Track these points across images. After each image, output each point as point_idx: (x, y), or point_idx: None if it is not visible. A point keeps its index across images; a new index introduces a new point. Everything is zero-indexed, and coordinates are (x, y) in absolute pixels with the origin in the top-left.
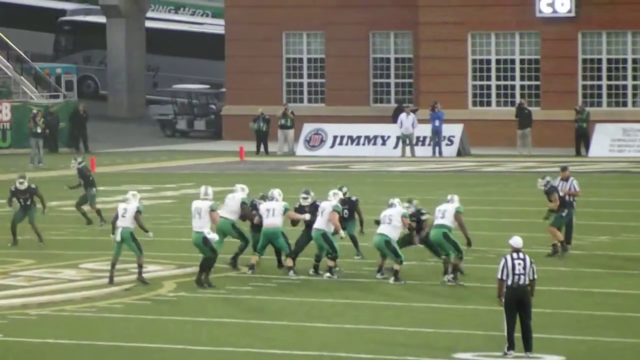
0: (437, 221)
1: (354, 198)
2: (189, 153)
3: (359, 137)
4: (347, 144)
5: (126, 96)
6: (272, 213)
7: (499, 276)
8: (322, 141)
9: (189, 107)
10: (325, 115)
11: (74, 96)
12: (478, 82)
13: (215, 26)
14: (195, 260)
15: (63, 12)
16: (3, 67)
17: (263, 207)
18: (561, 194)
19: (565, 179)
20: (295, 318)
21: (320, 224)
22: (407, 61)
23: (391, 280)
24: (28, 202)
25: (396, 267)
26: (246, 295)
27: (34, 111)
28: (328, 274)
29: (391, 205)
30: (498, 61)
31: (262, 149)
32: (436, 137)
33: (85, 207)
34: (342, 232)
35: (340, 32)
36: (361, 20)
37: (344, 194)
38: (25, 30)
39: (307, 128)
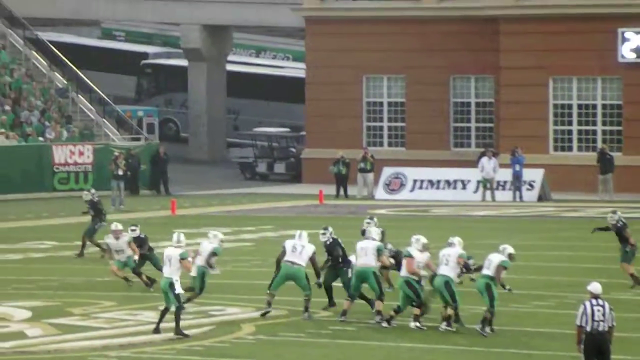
0: (483, 271)
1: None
2: (269, 196)
3: (438, 181)
4: (426, 188)
5: (207, 139)
6: (365, 252)
7: (578, 322)
8: (402, 185)
9: (269, 150)
10: (405, 159)
11: (156, 139)
12: (559, 127)
13: (295, 69)
14: (275, 304)
15: (145, 55)
16: (86, 110)
17: (358, 245)
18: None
19: None
20: None
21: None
22: (487, 105)
23: (443, 325)
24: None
25: (450, 311)
26: (325, 339)
27: (116, 153)
28: (416, 324)
29: (450, 245)
30: (580, 106)
31: (341, 192)
32: (517, 181)
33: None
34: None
35: (421, 76)
36: (442, 64)
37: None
38: (108, 73)
39: (387, 172)
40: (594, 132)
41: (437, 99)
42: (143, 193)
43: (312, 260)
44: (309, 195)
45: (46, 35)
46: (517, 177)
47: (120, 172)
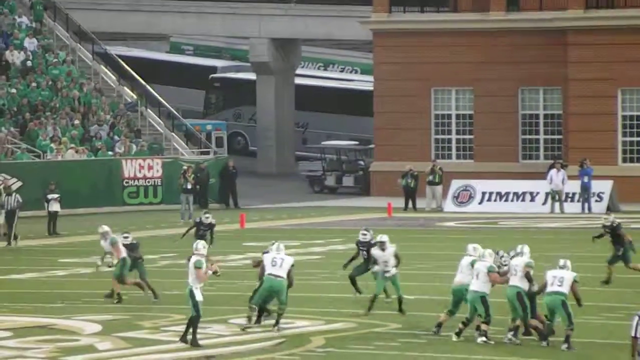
0: (556, 288)
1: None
2: (337, 209)
3: (507, 194)
4: (495, 200)
5: (275, 152)
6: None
7: (633, 334)
8: (471, 197)
9: (338, 164)
10: (473, 171)
11: (224, 152)
12: (628, 139)
13: (364, 82)
14: (344, 317)
15: (214, 69)
16: (155, 124)
17: (463, 262)
18: None
19: None
20: None
21: (476, 285)
22: (556, 117)
23: (509, 335)
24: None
25: (518, 322)
26: (394, 352)
27: (185, 167)
28: (483, 339)
29: (519, 254)
30: None
31: (410, 205)
32: (585, 193)
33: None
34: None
35: (489, 88)
36: (510, 77)
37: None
38: (176, 87)
39: (455, 184)
40: None
41: (505, 111)
42: (212, 207)
43: (289, 272)
44: (377, 208)
45: (115, 50)
46: (585, 188)
47: (189, 186)
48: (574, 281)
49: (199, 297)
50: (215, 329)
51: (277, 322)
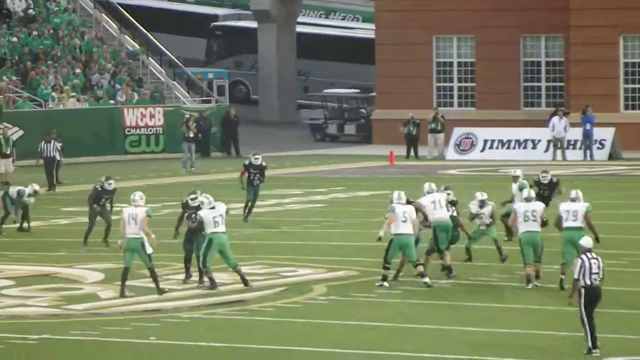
0: (571, 223)
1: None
2: (339, 157)
3: (509, 141)
4: (497, 147)
5: (277, 101)
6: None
7: (576, 276)
8: (473, 145)
9: (340, 112)
10: (475, 119)
11: (226, 101)
12: (630, 86)
13: (365, 30)
14: (346, 264)
15: (215, 17)
16: (156, 72)
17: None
18: None
19: None
20: (445, 322)
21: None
22: (558, 65)
23: (533, 283)
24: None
25: (539, 266)
26: (395, 300)
27: (187, 116)
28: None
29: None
30: None
31: (412, 153)
32: (587, 140)
33: None
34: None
35: (490, 36)
36: (512, 24)
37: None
38: (177, 36)
39: (457, 132)
40: None
41: (507, 59)
42: (214, 155)
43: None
44: (379, 156)
45: None
46: (587, 136)
47: (191, 135)
48: (587, 211)
49: (149, 249)
50: (218, 277)
51: (244, 281)
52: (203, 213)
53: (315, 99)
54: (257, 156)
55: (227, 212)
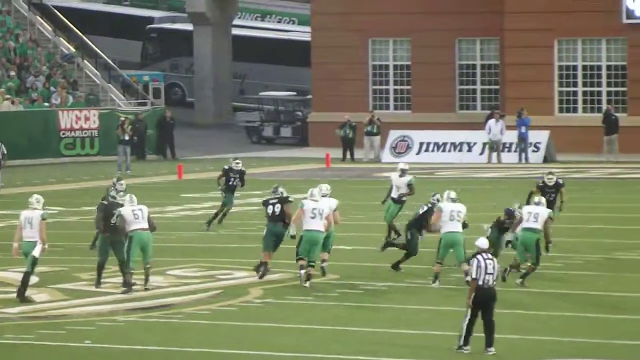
0: (531, 224)
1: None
2: (275, 160)
3: (444, 144)
4: (433, 150)
5: (213, 103)
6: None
7: (474, 276)
8: (408, 148)
9: (275, 114)
10: (411, 122)
11: (161, 103)
12: (565, 89)
13: (301, 33)
14: (282, 267)
15: (150, 20)
16: (91, 75)
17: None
18: None
19: None
20: (381, 324)
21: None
22: (493, 68)
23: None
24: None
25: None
26: (333, 302)
27: (122, 118)
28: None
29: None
30: (585, 67)
31: (348, 155)
32: (522, 143)
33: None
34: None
35: (426, 39)
36: (447, 27)
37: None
38: (113, 38)
39: (393, 135)
40: (599, 94)
41: (442, 62)
42: (149, 158)
43: (149, 219)
44: (315, 158)
45: (51, 0)
46: (522, 139)
47: (127, 137)
48: (548, 217)
49: (37, 253)
50: (153, 281)
51: (146, 280)
52: (123, 209)
53: (251, 102)
54: (237, 161)
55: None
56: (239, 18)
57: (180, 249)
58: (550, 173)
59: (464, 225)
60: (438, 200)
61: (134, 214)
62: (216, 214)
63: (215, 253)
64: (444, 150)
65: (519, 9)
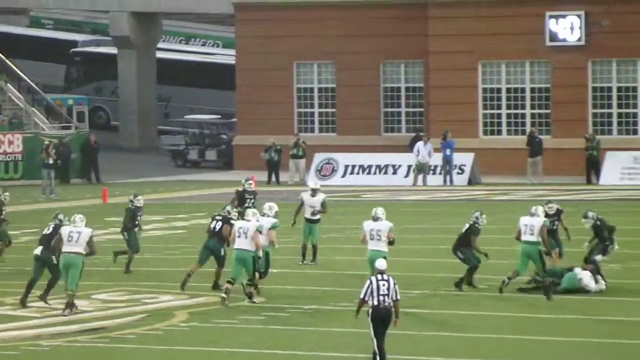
0: (528, 237)
1: None
2: (200, 183)
3: (370, 167)
4: (358, 173)
5: (137, 127)
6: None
7: (362, 297)
8: (334, 170)
9: (200, 138)
10: (336, 144)
11: (86, 127)
12: (489, 111)
13: (226, 56)
14: (208, 290)
15: (74, 43)
16: (15, 99)
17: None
18: None
19: None
20: (306, 348)
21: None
22: (417, 90)
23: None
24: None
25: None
26: (258, 325)
27: (46, 142)
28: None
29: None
30: (509, 90)
31: (273, 178)
32: (447, 165)
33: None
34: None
35: (351, 62)
36: (372, 50)
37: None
38: (36, 62)
39: (318, 157)
40: (523, 116)
41: (367, 84)
42: (74, 182)
43: (89, 243)
44: (240, 182)
45: None
46: (447, 161)
47: (51, 161)
48: (544, 226)
49: None
50: (78, 305)
51: (69, 305)
52: (63, 228)
53: (175, 125)
54: (250, 182)
55: (90, 236)
56: (163, 41)
57: (105, 272)
58: (549, 202)
59: (390, 243)
60: (477, 219)
61: (70, 235)
62: None
63: (140, 277)
64: (369, 173)
65: (443, 32)
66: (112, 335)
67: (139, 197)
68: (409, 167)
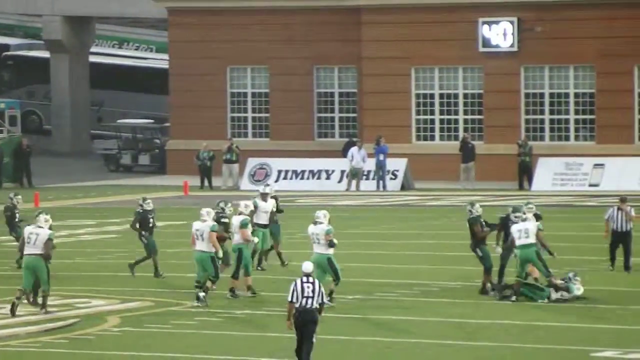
0: (523, 241)
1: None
2: (133, 188)
3: (303, 172)
4: (291, 178)
5: (70, 131)
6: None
7: (290, 299)
8: (267, 175)
9: (133, 142)
10: (269, 149)
11: (18, 131)
12: (422, 117)
13: (159, 61)
14: (141, 295)
15: (6, 47)
16: None
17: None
18: (624, 224)
19: (623, 209)
20: (240, 352)
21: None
22: (351, 95)
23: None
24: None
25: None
26: (191, 330)
27: None
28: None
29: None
30: (442, 95)
31: (206, 183)
32: (380, 171)
33: None
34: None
35: (284, 67)
36: (305, 55)
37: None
38: None
39: (252, 162)
40: (456, 122)
41: (301, 90)
42: (6, 186)
43: (46, 244)
44: (173, 186)
45: None
46: (380, 166)
47: None
48: (538, 229)
49: None
50: (7, 310)
51: (43, 306)
52: (26, 229)
53: (108, 129)
54: (148, 201)
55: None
56: (96, 45)
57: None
58: (529, 203)
59: (330, 245)
60: (470, 211)
61: (29, 237)
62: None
63: (72, 281)
64: (302, 178)
65: (376, 37)
66: (44, 340)
67: (149, 201)
68: (343, 172)
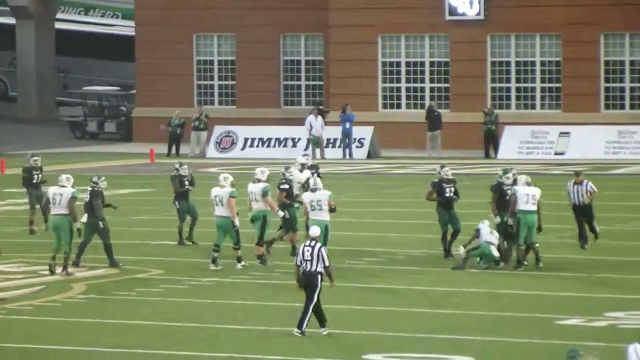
0: (530, 207)
1: None
2: (99, 155)
3: (269, 139)
4: (257, 146)
5: (36, 98)
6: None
7: (297, 262)
8: (233, 143)
9: (99, 109)
10: (236, 117)
11: None
12: (388, 85)
13: (125, 28)
14: (104, 262)
15: None
16: None
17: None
18: (581, 198)
19: (580, 183)
20: (206, 320)
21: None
22: (317, 63)
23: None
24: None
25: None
26: (157, 297)
27: None
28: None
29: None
30: (408, 64)
31: (174, 150)
32: (346, 139)
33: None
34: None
35: (251, 35)
36: (272, 23)
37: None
38: None
39: (218, 130)
40: (422, 90)
41: (267, 58)
42: None
43: (69, 205)
44: (140, 154)
45: None
46: (346, 134)
47: None
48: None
49: None
50: None
51: (64, 267)
52: (50, 190)
53: (74, 97)
54: (35, 158)
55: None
56: (62, 12)
57: (3, 244)
58: (505, 171)
59: (332, 210)
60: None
61: (53, 198)
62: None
63: (38, 248)
64: (268, 146)
65: (343, 5)
66: (9, 306)
67: (185, 166)
68: (308, 140)
